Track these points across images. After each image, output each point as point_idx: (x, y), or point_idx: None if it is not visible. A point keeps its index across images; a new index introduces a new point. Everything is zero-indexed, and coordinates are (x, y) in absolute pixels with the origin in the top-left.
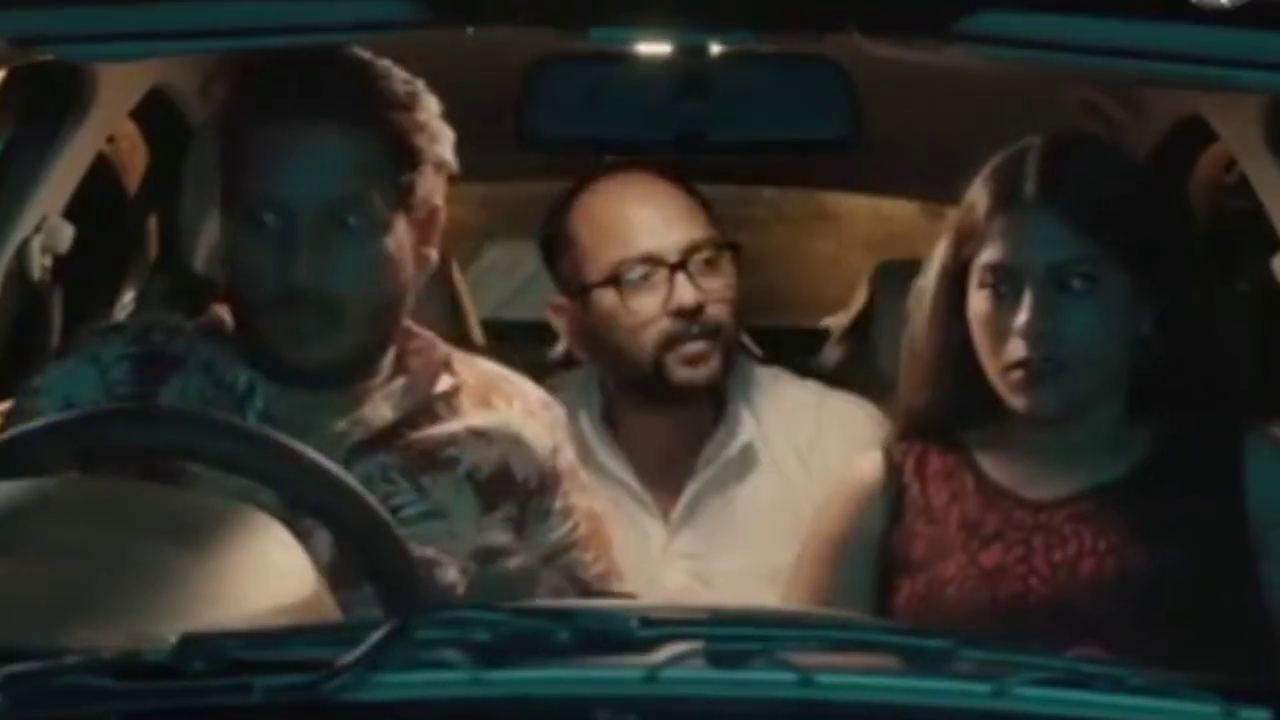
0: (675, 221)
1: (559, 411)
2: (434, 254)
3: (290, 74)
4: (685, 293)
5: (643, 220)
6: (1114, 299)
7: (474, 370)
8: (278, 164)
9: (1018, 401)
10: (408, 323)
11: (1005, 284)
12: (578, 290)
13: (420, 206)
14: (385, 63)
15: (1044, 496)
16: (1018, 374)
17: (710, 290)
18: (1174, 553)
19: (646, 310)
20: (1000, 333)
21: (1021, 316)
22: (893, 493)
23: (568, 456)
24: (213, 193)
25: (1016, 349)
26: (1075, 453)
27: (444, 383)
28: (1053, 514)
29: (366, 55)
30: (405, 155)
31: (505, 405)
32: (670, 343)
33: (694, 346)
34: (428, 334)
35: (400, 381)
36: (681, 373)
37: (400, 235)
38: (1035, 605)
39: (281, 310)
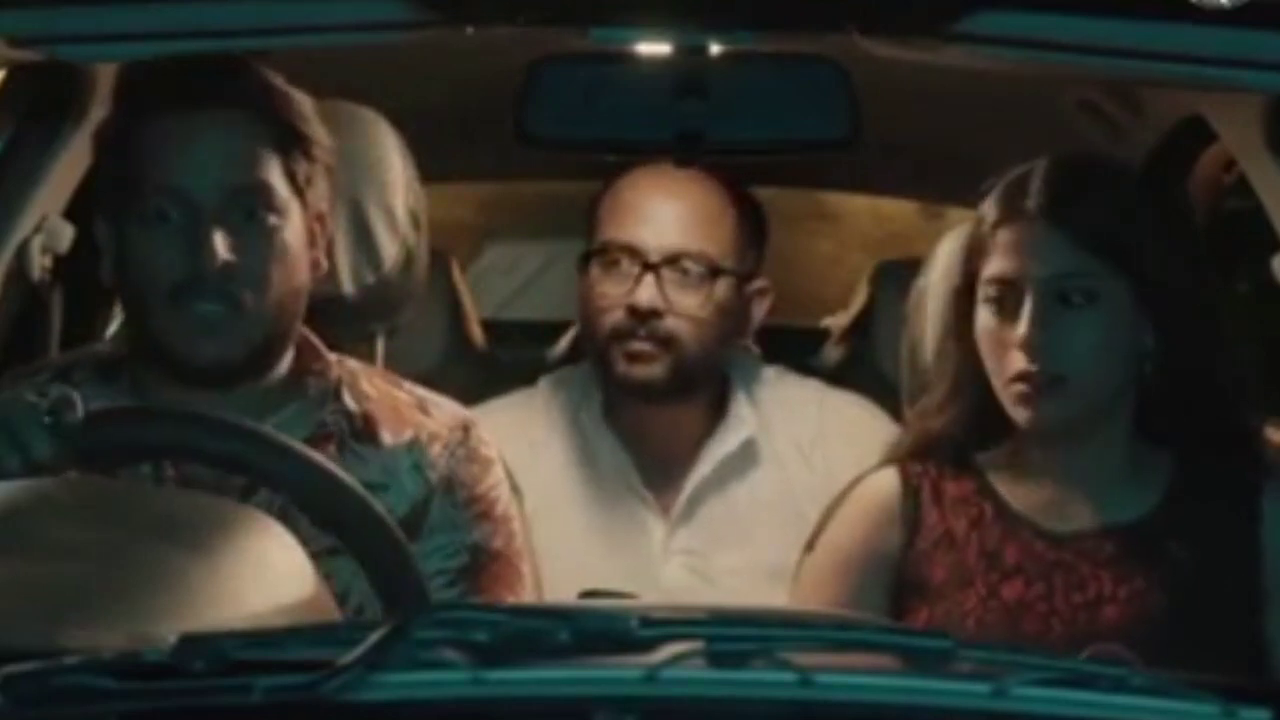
0: (679, 226)
1: (477, 434)
2: (324, 261)
3: (173, 68)
4: (645, 293)
5: (649, 212)
6: (1115, 314)
7: (380, 393)
8: (175, 155)
9: (1021, 415)
10: (315, 341)
11: (1007, 297)
12: (585, 254)
13: (313, 204)
14: (254, 58)
15: (1063, 528)
16: (1019, 387)
17: (677, 302)
18: (1193, 600)
19: (610, 295)
20: (1003, 345)
21: (1021, 328)
22: (910, 513)
23: (484, 483)
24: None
25: (1017, 361)
26: (1090, 479)
27: (336, 412)
28: (1072, 550)
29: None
30: (297, 143)
31: (409, 432)
32: (617, 335)
33: (637, 345)
34: (330, 355)
35: (294, 407)
36: (622, 367)
37: (299, 229)
38: (1057, 647)
39: (181, 300)
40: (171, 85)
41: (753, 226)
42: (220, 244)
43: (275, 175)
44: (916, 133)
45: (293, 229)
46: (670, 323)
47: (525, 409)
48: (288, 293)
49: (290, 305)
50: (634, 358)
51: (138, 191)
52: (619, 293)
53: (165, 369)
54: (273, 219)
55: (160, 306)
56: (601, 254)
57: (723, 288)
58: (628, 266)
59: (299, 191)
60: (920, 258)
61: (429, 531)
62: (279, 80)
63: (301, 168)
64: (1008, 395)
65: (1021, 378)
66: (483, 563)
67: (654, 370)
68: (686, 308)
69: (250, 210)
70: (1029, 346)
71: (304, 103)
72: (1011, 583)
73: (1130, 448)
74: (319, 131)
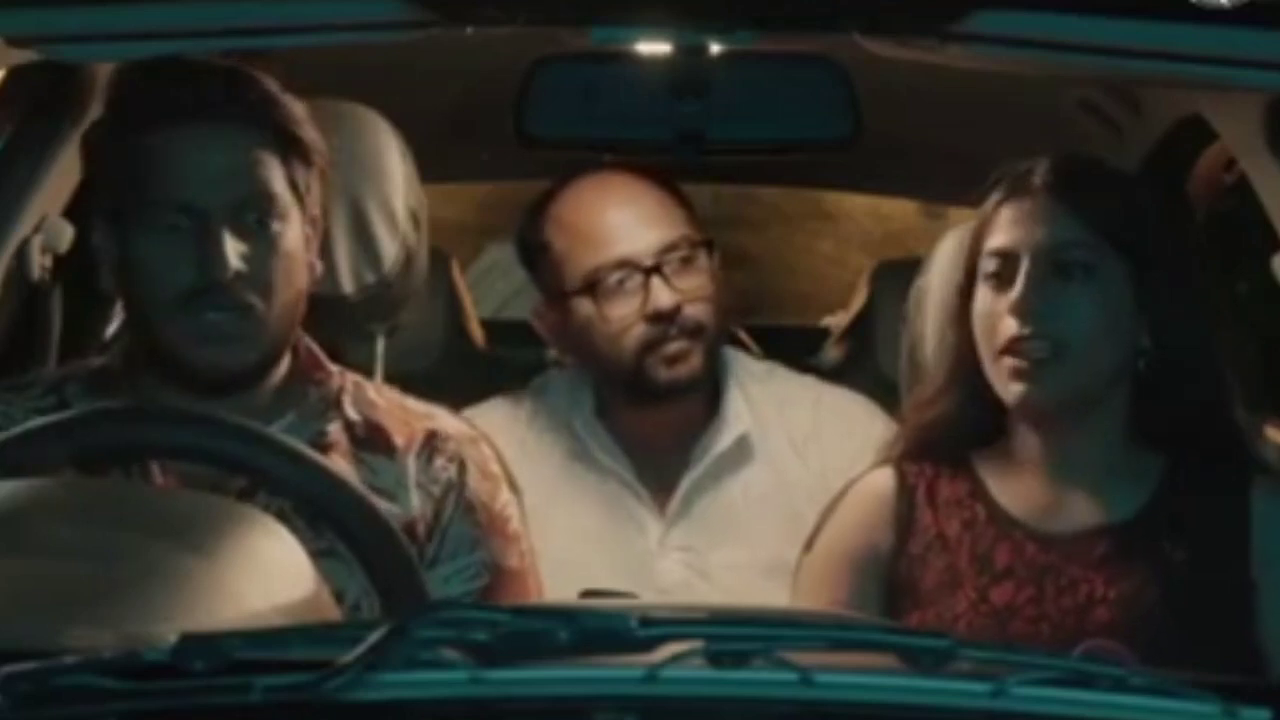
0: (649, 222)
1: (484, 449)
2: (320, 265)
3: (173, 78)
4: (661, 296)
5: (615, 224)
6: (1111, 292)
7: (380, 404)
8: (182, 167)
9: (1012, 393)
10: (316, 350)
11: (1004, 269)
12: (556, 297)
13: (310, 209)
14: (252, 68)
15: (1055, 530)
16: (1011, 360)
17: (687, 290)
18: (1184, 600)
19: (623, 315)
20: (997, 316)
21: (1015, 293)
22: (904, 513)
23: (482, 494)
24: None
25: (1009, 328)
26: (1082, 476)
27: (337, 421)
28: (1063, 552)
29: (234, 61)
30: (297, 150)
31: (419, 443)
32: (650, 346)
33: (674, 346)
34: (331, 365)
35: (291, 415)
36: (663, 373)
37: (299, 234)
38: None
39: (192, 309)
40: (171, 96)
41: (680, 193)
42: (232, 253)
43: (279, 182)
44: (916, 133)
45: (294, 234)
46: (690, 311)
47: (513, 412)
48: (291, 298)
49: (293, 310)
50: (673, 360)
51: (144, 202)
52: (631, 309)
53: (170, 376)
54: (276, 225)
55: (170, 314)
56: (596, 284)
57: (703, 257)
58: (627, 282)
59: (299, 197)
60: (920, 258)
61: (449, 554)
62: (275, 87)
63: (301, 174)
64: (999, 371)
65: (1013, 348)
66: (502, 582)
67: (693, 364)
68: (695, 290)
69: (257, 219)
70: (1021, 311)
71: (300, 109)
72: (1001, 586)
73: (1122, 445)
74: (316, 136)
